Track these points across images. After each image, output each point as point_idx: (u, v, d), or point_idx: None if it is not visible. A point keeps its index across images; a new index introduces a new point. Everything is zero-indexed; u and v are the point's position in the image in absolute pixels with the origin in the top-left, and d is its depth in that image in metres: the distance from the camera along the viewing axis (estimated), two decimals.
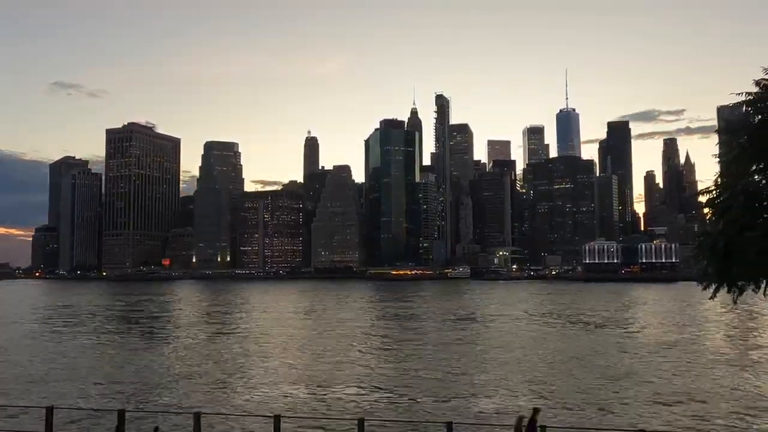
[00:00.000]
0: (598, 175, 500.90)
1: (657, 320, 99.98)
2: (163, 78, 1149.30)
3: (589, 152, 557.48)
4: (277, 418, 24.52)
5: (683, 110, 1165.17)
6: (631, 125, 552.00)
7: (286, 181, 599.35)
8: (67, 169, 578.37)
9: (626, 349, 63.92)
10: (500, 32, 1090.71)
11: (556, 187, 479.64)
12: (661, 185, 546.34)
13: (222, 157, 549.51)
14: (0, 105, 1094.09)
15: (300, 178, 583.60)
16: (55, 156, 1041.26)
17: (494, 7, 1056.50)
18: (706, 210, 13.23)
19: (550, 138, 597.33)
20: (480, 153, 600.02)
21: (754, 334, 78.48)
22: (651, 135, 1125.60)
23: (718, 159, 12.86)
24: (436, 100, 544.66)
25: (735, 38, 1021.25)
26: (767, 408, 36.97)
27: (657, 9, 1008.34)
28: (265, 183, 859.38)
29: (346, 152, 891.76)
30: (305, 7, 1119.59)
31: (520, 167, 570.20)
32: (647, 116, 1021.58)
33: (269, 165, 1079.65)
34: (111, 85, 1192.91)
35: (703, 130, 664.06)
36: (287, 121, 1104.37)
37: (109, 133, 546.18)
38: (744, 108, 12.23)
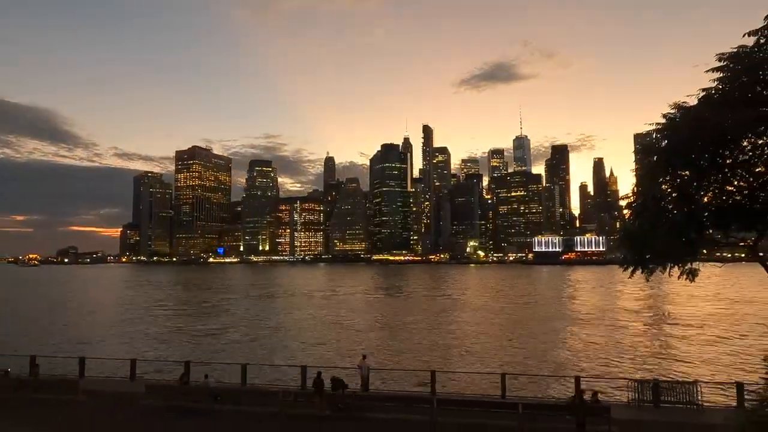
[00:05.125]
0: (544, 185, 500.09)
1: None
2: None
3: (538, 168, 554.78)
4: (303, 368, 24.57)
5: (608, 137, 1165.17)
6: (569, 148, 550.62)
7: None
8: (147, 180, 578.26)
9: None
10: (470, 80, 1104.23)
11: (513, 194, 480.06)
12: (592, 193, 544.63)
13: (262, 173, 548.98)
14: (85, 127, 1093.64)
15: (321, 187, 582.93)
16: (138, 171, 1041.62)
17: (465, 68, 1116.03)
18: (625, 212, 13.21)
19: (509, 157, 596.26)
20: (456, 168, 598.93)
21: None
22: (584, 155, 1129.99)
23: (634, 173, 12.89)
24: (423, 129, 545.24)
25: (646, 78, 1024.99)
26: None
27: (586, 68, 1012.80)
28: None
29: (356, 167, 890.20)
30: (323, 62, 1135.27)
31: (486, 179, 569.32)
32: (582, 140, 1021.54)
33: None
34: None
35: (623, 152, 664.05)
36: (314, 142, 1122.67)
37: (178, 153, 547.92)
38: (654, 134, 12.28)
